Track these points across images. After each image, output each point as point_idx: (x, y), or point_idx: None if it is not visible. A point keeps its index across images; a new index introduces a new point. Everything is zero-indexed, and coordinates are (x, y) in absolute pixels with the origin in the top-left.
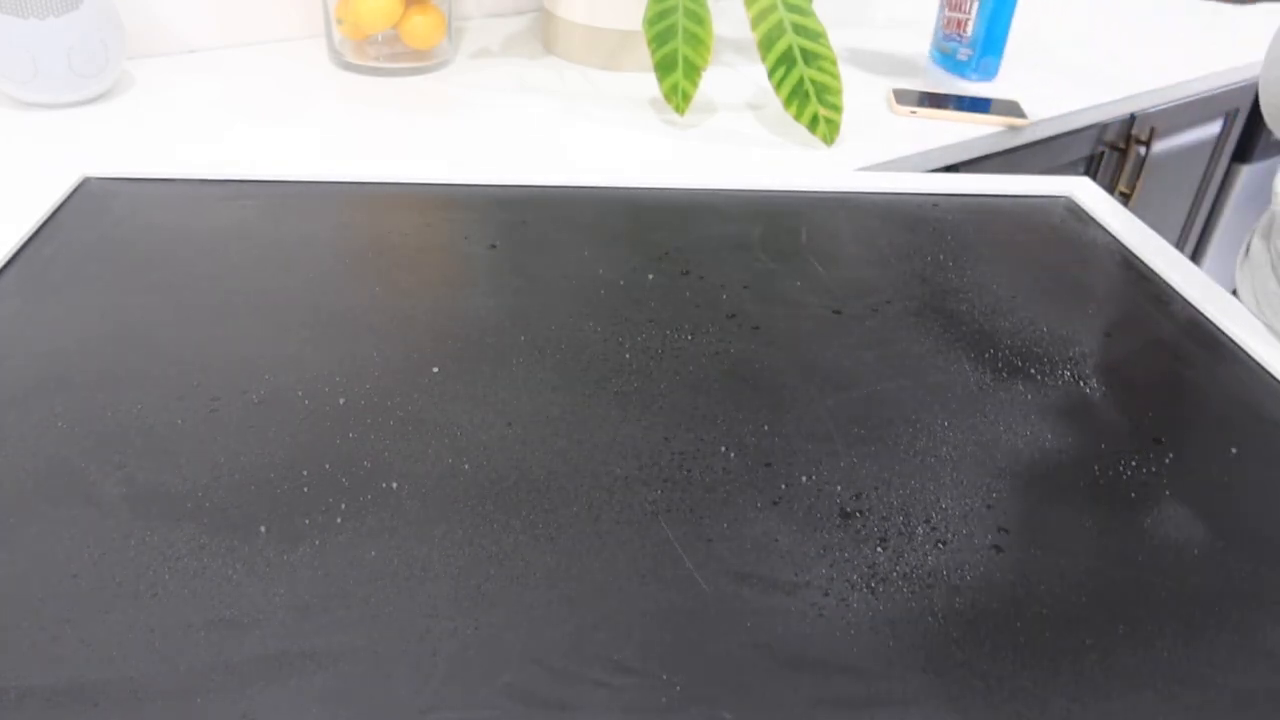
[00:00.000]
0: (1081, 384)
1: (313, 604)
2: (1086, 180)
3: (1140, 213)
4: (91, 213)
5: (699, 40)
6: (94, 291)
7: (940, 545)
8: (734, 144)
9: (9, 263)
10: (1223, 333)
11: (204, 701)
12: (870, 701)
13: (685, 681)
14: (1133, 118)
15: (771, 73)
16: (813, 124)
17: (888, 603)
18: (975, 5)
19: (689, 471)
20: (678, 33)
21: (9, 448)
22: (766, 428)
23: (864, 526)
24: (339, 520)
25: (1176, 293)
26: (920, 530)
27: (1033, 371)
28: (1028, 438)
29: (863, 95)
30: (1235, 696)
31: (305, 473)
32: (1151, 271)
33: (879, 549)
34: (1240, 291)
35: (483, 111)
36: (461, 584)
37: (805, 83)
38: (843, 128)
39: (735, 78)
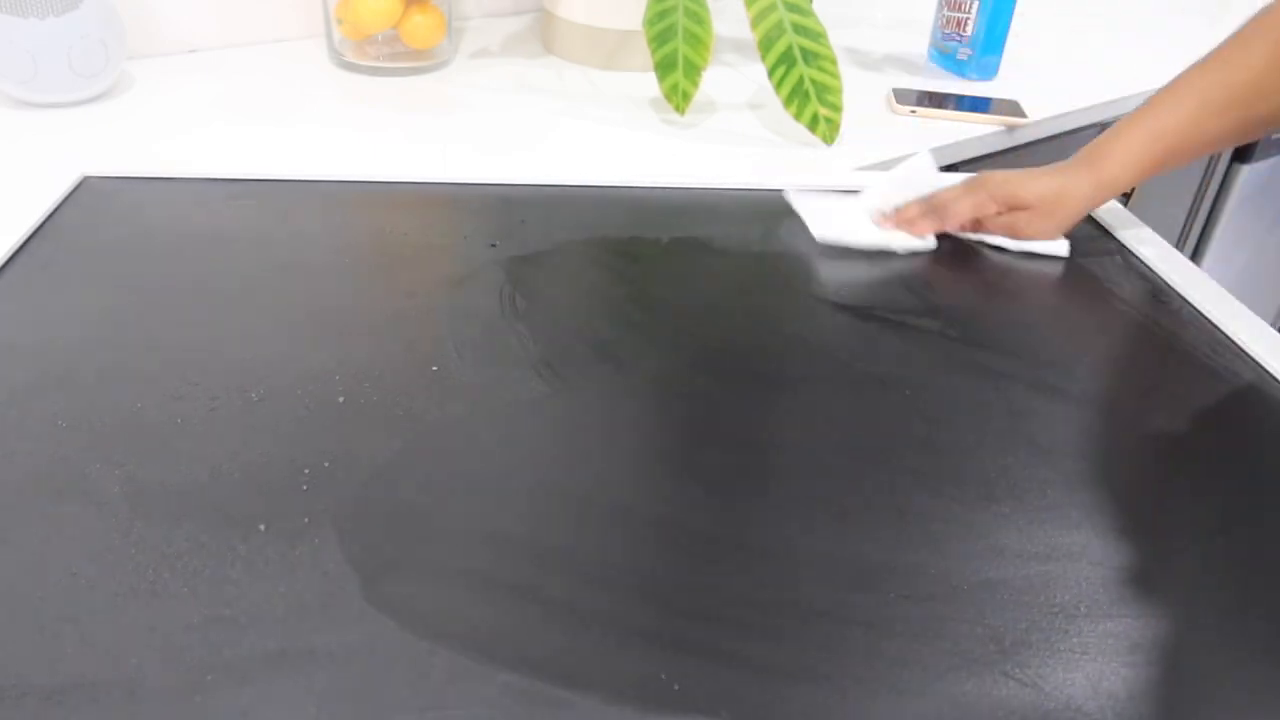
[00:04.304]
0: (1080, 382)
1: (312, 602)
2: None
3: (1140, 212)
4: (91, 212)
5: (699, 40)
6: (93, 290)
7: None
8: (734, 144)
9: (9, 262)
10: (1222, 332)
11: (203, 699)
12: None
13: (684, 681)
14: None
15: (771, 72)
16: (813, 124)
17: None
18: (975, 4)
19: (690, 467)
20: (678, 32)
21: (9, 446)
22: (762, 421)
23: (862, 520)
24: (338, 518)
25: (1176, 291)
26: (916, 524)
27: (1031, 370)
28: (1025, 435)
29: (863, 95)
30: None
31: (306, 471)
32: (1151, 270)
33: (873, 544)
34: None
35: (482, 111)
36: (461, 582)
37: (805, 82)
38: (843, 127)
39: (735, 78)
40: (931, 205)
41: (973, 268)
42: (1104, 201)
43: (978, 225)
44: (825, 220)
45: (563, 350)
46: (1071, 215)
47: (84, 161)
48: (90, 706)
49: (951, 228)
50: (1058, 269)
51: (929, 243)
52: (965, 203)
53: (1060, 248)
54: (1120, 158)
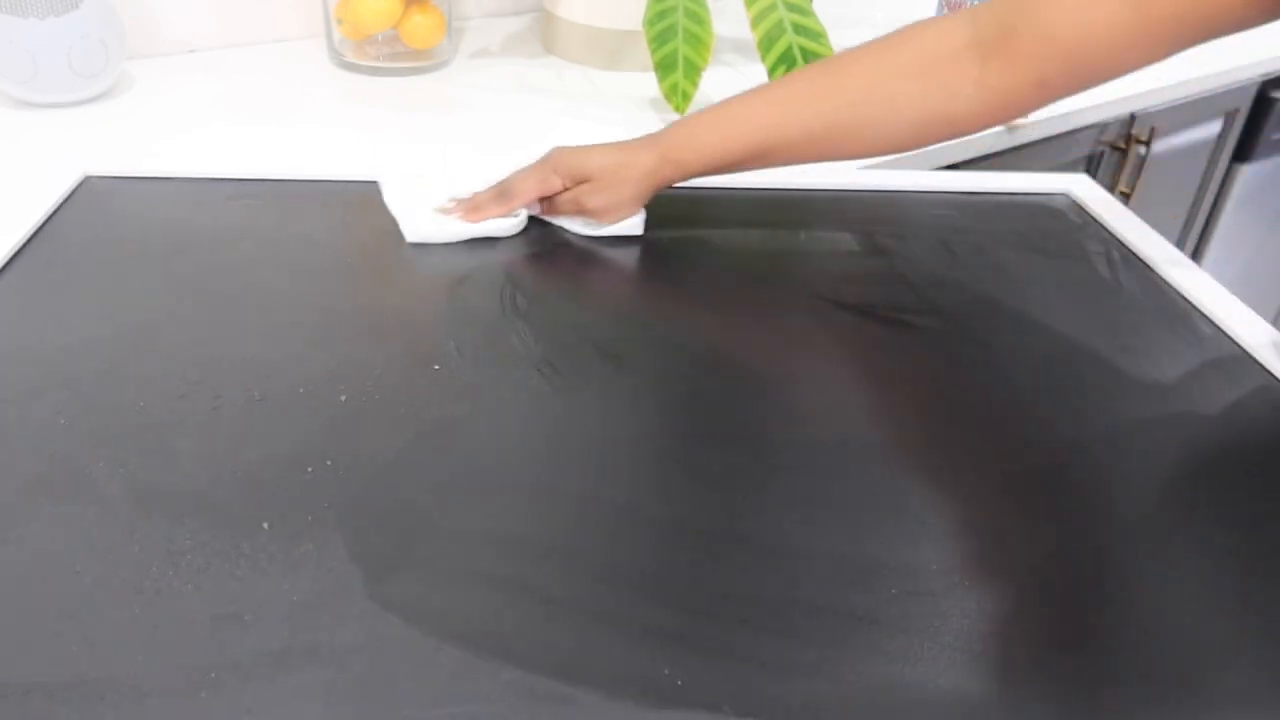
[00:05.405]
0: (1079, 381)
1: (316, 601)
2: (1084, 178)
3: (1140, 212)
4: (92, 211)
5: (699, 40)
6: (95, 289)
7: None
8: None
9: (10, 261)
10: (1222, 331)
11: (207, 697)
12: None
13: (686, 677)
14: (1133, 117)
15: (771, 72)
16: None
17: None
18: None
19: (690, 465)
20: (678, 32)
21: (12, 446)
22: (762, 419)
23: (862, 517)
24: (342, 517)
25: (1175, 290)
26: (916, 521)
27: (1030, 368)
28: (1026, 432)
29: None
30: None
31: (309, 470)
32: (1150, 269)
33: (873, 541)
34: None
35: (482, 111)
36: (464, 580)
37: None
38: None
39: (735, 78)
40: (501, 187)
41: (974, 266)
42: (672, 178)
43: (552, 207)
44: (414, 220)
45: (563, 349)
46: (634, 187)
47: (84, 161)
48: (94, 704)
49: (520, 206)
50: (1054, 265)
51: (516, 222)
52: (530, 179)
53: (632, 226)
54: (686, 133)
